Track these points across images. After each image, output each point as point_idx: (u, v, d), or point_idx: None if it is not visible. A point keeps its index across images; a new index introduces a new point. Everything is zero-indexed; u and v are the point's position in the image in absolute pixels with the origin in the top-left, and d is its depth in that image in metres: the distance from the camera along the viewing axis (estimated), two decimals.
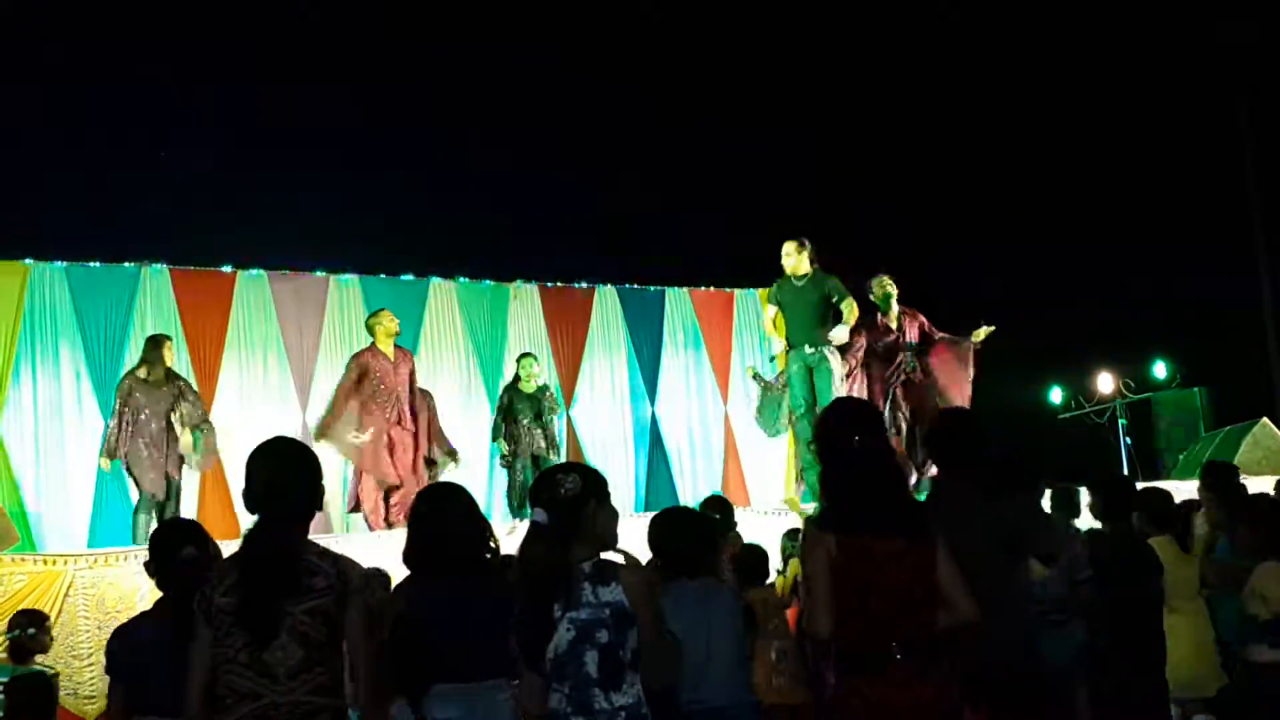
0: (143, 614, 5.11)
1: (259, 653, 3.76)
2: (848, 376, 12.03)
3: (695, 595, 4.80)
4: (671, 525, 5.14)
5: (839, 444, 4.37)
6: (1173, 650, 6.47)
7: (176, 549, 4.78)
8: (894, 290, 12.36)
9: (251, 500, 3.98)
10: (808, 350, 11.46)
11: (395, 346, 11.75)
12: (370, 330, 11.87)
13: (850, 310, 11.48)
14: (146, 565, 4.99)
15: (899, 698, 4.04)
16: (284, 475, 3.99)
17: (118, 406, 10.89)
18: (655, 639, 4.07)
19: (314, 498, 4.06)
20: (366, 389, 11.45)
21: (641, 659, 4.05)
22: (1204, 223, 19.08)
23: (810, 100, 18.65)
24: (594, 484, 4.21)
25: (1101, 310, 19.43)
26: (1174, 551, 6.86)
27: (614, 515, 4.28)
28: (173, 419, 11.02)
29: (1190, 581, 6.86)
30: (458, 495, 4.95)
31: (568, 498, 4.13)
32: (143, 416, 10.85)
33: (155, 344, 11.18)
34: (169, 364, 11.19)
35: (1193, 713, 6.94)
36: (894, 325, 12.32)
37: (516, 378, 12.86)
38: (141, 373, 11.01)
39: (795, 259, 11.52)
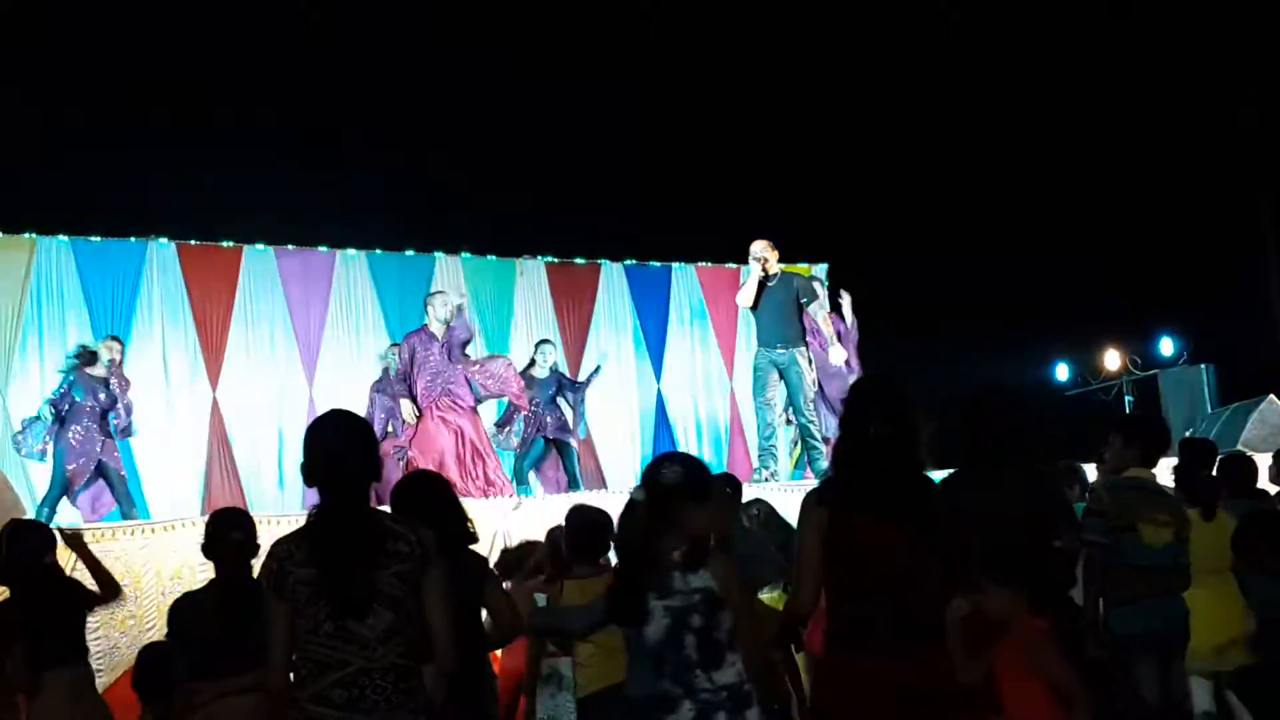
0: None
1: (345, 622, 3.76)
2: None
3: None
4: None
5: (854, 427, 4.38)
6: (1199, 622, 6.46)
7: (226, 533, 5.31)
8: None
9: (313, 474, 3.97)
10: (779, 350, 11.41)
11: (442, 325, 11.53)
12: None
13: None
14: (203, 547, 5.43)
15: (882, 673, 4.07)
16: (348, 446, 3.98)
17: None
18: (749, 621, 4.22)
19: (375, 468, 4.07)
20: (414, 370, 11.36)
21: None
22: (1211, 198, 19.04)
23: (815, 77, 18.60)
24: (692, 483, 4.30)
25: (1107, 288, 19.40)
26: (1201, 524, 6.81)
27: (709, 518, 4.38)
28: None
29: (1218, 554, 6.81)
30: (435, 483, 5.17)
31: (662, 486, 4.25)
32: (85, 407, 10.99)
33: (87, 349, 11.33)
34: (109, 357, 11.22)
35: (1223, 686, 6.89)
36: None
37: (532, 362, 12.91)
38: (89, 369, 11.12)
39: (771, 258, 11.45)
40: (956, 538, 4.32)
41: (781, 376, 11.39)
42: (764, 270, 11.42)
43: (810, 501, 4.34)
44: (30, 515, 10.87)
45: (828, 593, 4.24)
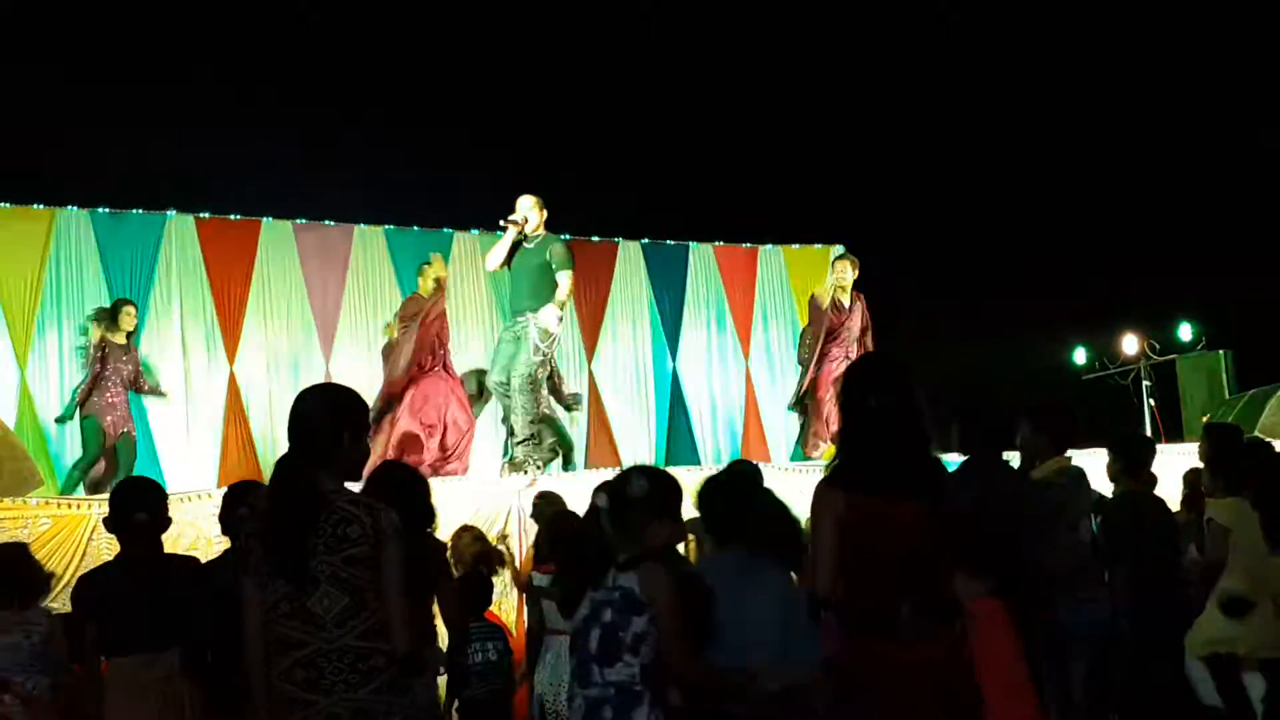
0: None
1: (302, 601, 3.76)
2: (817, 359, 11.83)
3: (732, 568, 4.58)
4: (712, 489, 5.01)
5: (854, 403, 4.36)
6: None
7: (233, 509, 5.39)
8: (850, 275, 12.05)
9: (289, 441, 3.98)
10: (519, 320, 10.49)
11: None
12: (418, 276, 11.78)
13: (565, 284, 10.44)
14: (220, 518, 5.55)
15: (906, 657, 4.06)
16: (304, 416, 3.95)
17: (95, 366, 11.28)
18: (675, 638, 4.07)
19: (335, 440, 3.96)
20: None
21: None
22: (1229, 183, 18.95)
23: (836, 56, 18.54)
24: (663, 497, 4.28)
25: (1127, 271, 19.33)
26: (1246, 514, 6.72)
27: (678, 532, 4.37)
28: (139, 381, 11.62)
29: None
30: (402, 471, 5.50)
31: (628, 497, 4.22)
32: (110, 376, 11.26)
33: (114, 310, 11.61)
34: (128, 329, 11.54)
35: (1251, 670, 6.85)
36: (846, 305, 12.07)
37: None
38: (111, 336, 11.39)
39: (533, 218, 10.46)
40: (966, 519, 4.34)
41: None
42: (520, 231, 10.45)
43: (823, 487, 4.33)
44: (49, 482, 11.00)
45: (847, 580, 4.21)
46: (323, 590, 3.77)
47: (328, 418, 3.98)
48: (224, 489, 5.76)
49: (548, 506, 7.88)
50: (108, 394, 11.24)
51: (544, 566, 6.96)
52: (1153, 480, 6.95)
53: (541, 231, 10.51)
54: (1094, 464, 6.95)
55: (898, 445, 4.23)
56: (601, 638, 4.07)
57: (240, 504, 5.32)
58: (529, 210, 10.47)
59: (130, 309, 11.68)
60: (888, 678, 4.08)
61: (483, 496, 9.59)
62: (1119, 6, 18.73)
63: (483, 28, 17.32)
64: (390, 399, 11.13)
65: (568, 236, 11.33)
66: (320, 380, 13.33)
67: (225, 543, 5.43)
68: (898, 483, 4.17)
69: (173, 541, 8.52)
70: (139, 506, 5.31)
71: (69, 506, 8.97)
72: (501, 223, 10.53)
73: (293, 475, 3.89)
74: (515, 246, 10.48)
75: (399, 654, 3.84)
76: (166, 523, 5.48)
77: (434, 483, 9.64)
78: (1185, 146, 18.89)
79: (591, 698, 4.04)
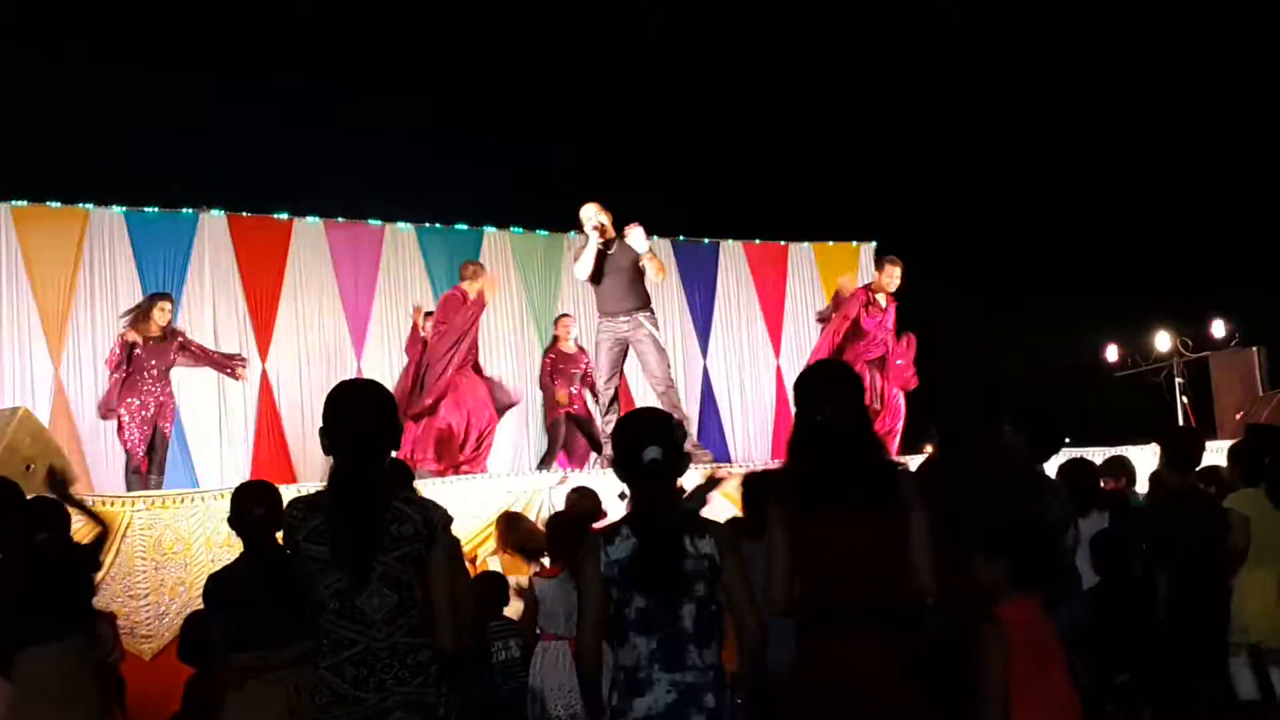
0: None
1: (351, 600, 3.78)
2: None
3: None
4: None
5: (804, 416, 4.33)
6: (1257, 602, 6.41)
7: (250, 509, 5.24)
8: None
9: (330, 443, 3.93)
10: (622, 321, 10.47)
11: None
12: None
13: (658, 269, 10.57)
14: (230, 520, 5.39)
15: (842, 650, 4.05)
16: (365, 417, 3.93)
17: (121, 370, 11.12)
18: (749, 602, 3.93)
19: (392, 439, 4.02)
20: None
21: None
22: (1263, 180, 18.83)
23: (865, 53, 18.52)
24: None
25: (1159, 268, 19.23)
26: (1263, 505, 6.72)
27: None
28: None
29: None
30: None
31: (679, 440, 4.06)
32: (143, 377, 11.08)
33: (146, 306, 11.34)
34: (162, 324, 11.22)
35: (1273, 664, 6.80)
36: (883, 306, 12.03)
37: (556, 339, 12.88)
38: (143, 334, 11.13)
39: (607, 222, 10.37)
40: (939, 519, 4.28)
41: (629, 348, 10.57)
42: (602, 238, 10.35)
43: (774, 497, 4.30)
44: (83, 481, 11.05)
45: (798, 582, 4.21)
46: (373, 589, 3.79)
47: (387, 416, 4.01)
48: (234, 490, 5.69)
49: (584, 501, 7.73)
50: (139, 395, 11.06)
51: (547, 570, 6.87)
52: (1200, 476, 6.92)
53: (612, 233, 10.47)
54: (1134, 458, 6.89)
55: (849, 457, 4.21)
56: (697, 615, 3.85)
57: (257, 505, 5.29)
58: (600, 217, 10.40)
59: (164, 304, 11.33)
60: (822, 667, 4.08)
61: (514, 493, 9.62)
62: (1152, 4, 18.65)
63: (511, 29, 17.36)
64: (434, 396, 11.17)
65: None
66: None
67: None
68: (856, 494, 4.16)
69: (206, 537, 8.65)
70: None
71: (104, 504, 9.01)
72: (589, 230, 10.43)
73: (362, 475, 3.90)
74: (599, 253, 10.40)
75: (446, 651, 3.88)
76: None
77: (458, 480, 9.90)
78: (1216, 143, 18.79)
79: (688, 684, 3.79)
